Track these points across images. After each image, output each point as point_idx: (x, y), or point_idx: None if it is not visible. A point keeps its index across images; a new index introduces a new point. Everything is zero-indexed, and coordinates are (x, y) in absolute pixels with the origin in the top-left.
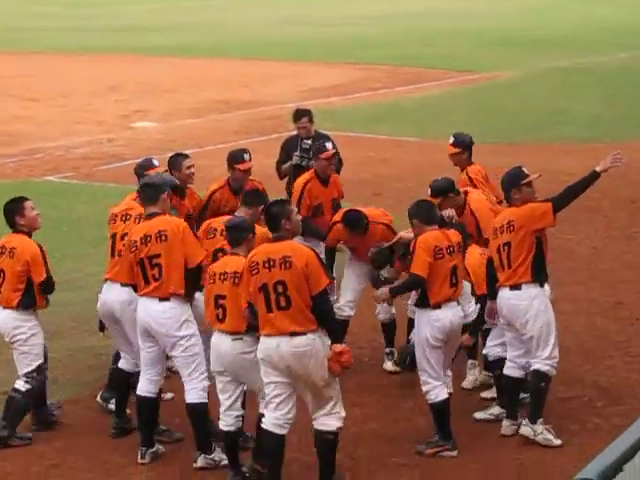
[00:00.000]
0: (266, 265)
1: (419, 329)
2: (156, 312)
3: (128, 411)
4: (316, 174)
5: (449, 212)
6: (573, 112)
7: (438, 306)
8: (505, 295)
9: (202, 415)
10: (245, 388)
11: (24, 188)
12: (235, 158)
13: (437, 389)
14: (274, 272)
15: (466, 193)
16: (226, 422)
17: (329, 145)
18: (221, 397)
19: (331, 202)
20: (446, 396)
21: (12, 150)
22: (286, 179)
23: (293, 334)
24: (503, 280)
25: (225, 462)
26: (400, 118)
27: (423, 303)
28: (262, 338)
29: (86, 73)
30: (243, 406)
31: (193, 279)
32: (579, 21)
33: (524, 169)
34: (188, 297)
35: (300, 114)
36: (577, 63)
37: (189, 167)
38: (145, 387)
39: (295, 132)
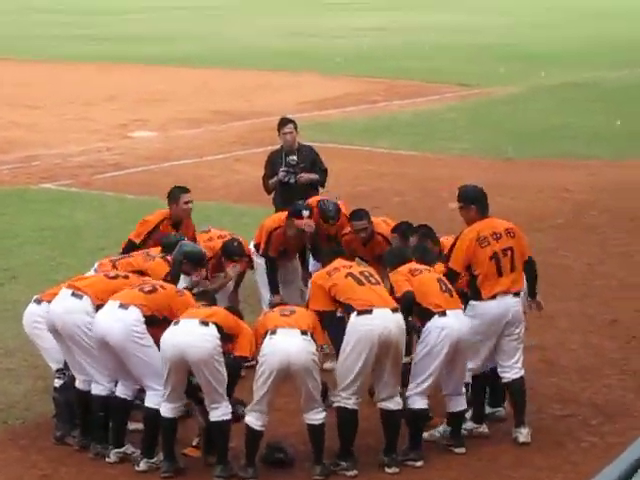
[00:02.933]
0: None
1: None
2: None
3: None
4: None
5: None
6: (573, 128)
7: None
8: (511, 302)
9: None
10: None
11: (22, 195)
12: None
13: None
14: None
15: None
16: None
17: (305, 212)
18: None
19: (298, 247)
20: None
21: (9, 157)
22: (273, 194)
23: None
24: (508, 286)
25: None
26: (398, 132)
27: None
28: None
29: (85, 82)
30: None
31: None
32: (578, 36)
33: None
34: None
35: (286, 121)
36: (577, 78)
37: (187, 202)
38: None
39: (278, 146)
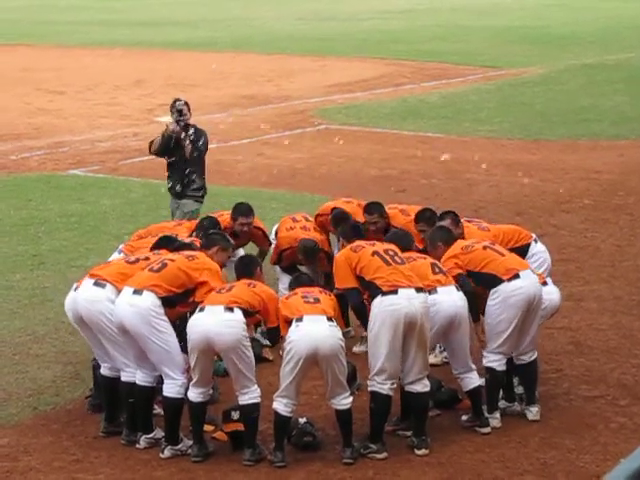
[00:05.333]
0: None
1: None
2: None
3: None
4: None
5: None
6: (599, 109)
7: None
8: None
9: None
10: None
11: (49, 181)
12: None
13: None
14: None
15: None
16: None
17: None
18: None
19: None
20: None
21: (38, 143)
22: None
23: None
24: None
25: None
26: (426, 114)
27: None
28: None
29: (113, 67)
30: None
31: None
32: (605, 17)
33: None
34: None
35: (172, 104)
36: (603, 60)
37: (242, 225)
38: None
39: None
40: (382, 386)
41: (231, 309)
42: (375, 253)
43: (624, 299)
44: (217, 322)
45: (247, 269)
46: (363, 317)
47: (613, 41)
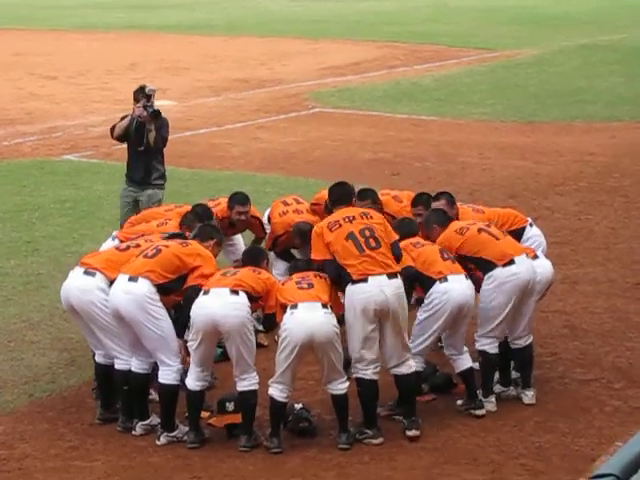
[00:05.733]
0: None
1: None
2: None
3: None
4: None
5: None
6: (594, 90)
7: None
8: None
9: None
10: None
11: (43, 167)
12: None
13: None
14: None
15: None
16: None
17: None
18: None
19: None
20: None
21: (31, 129)
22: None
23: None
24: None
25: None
26: (419, 97)
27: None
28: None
29: (105, 51)
30: None
31: None
32: None
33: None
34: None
35: (140, 90)
36: (598, 40)
37: (240, 213)
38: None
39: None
40: (365, 371)
41: (236, 292)
42: (350, 236)
43: (618, 282)
44: (223, 304)
45: (255, 260)
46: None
47: (606, 21)
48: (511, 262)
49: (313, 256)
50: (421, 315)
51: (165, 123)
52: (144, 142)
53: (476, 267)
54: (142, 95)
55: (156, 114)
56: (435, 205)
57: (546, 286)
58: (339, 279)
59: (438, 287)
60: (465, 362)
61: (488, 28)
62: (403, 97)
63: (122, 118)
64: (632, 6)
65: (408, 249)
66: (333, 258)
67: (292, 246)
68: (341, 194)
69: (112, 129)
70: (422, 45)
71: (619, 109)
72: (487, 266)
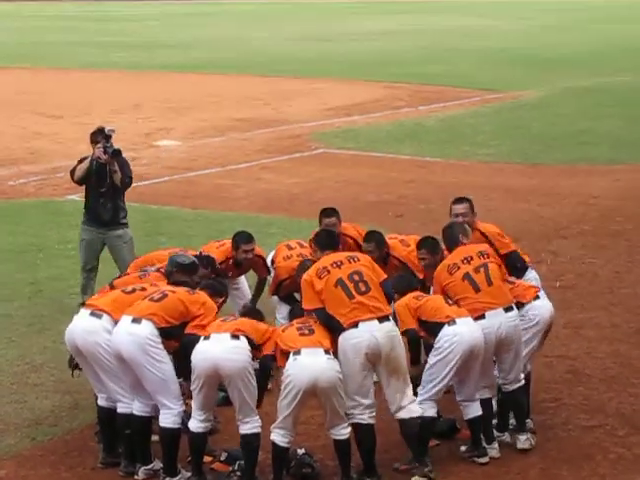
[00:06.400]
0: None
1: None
2: None
3: None
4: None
5: None
6: (596, 132)
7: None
8: (503, 317)
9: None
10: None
11: (47, 207)
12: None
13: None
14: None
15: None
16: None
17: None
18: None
19: None
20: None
21: (35, 168)
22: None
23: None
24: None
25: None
26: (423, 138)
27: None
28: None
29: (109, 90)
30: None
31: None
32: (601, 40)
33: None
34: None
35: (99, 131)
36: (599, 83)
37: (246, 252)
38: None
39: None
40: (362, 416)
41: (237, 337)
42: (338, 282)
43: (622, 327)
44: (224, 349)
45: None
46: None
47: (605, 63)
48: (482, 317)
49: (305, 305)
50: (431, 360)
51: (125, 162)
52: (106, 183)
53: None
54: (102, 136)
55: (116, 154)
56: (456, 209)
57: (544, 327)
58: (331, 327)
59: (447, 330)
60: (475, 410)
61: (491, 69)
62: (407, 138)
63: (80, 161)
64: (632, 49)
65: (412, 304)
66: (324, 306)
67: (296, 290)
68: (328, 240)
69: (72, 172)
70: (426, 86)
71: (622, 152)
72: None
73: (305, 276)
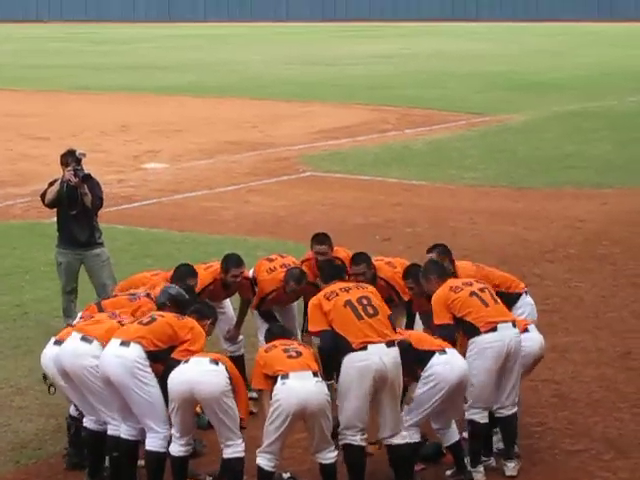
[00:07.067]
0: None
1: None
2: None
3: None
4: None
5: None
6: (584, 156)
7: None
8: (512, 331)
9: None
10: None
11: (34, 229)
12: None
13: None
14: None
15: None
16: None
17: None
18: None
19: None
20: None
21: (22, 190)
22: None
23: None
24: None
25: None
26: (410, 161)
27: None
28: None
29: (98, 113)
30: None
31: None
32: (589, 64)
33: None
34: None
35: (70, 154)
36: (587, 107)
37: (235, 276)
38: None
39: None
40: (354, 437)
41: (216, 362)
42: (347, 303)
43: (608, 351)
44: (201, 372)
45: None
46: (327, 364)
47: (594, 88)
48: (493, 329)
49: (310, 328)
50: (420, 388)
51: (96, 183)
52: (76, 206)
53: (460, 330)
54: (72, 159)
55: (87, 179)
56: (429, 256)
57: (532, 360)
58: (334, 350)
59: (439, 359)
60: (453, 436)
61: (478, 93)
62: (394, 161)
63: (50, 184)
64: (622, 72)
65: (400, 331)
66: (330, 328)
67: (281, 303)
68: (334, 271)
69: (42, 196)
70: (413, 109)
71: (609, 176)
72: (471, 331)
73: (313, 299)
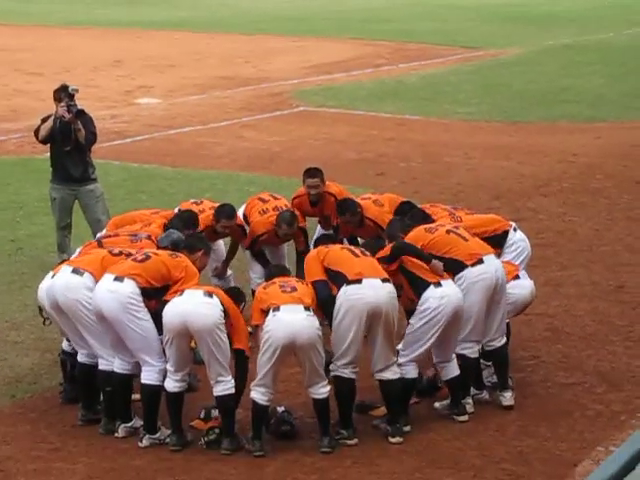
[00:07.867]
0: None
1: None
2: None
3: None
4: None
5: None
6: (578, 90)
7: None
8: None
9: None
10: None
11: (27, 165)
12: None
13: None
14: None
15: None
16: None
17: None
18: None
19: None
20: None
21: (15, 126)
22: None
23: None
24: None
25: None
26: (404, 96)
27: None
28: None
29: (91, 48)
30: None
31: None
32: None
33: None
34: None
35: (63, 89)
36: (582, 40)
37: (224, 227)
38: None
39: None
40: (344, 370)
41: (210, 295)
42: (345, 248)
43: (602, 284)
44: (195, 304)
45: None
46: (328, 312)
47: (591, 21)
48: (480, 262)
49: (308, 279)
50: (416, 322)
51: (89, 119)
52: (70, 142)
53: (445, 268)
54: (65, 95)
55: (80, 114)
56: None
57: (522, 307)
58: (330, 299)
59: (434, 292)
60: (453, 370)
61: (474, 26)
62: (388, 96)
63: (43, 120)
64: (617, 5)
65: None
66: (326, 279)
67: (272, 243)
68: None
69: (36, 132)
70: (408, 43)
71: (603, 109)
72: (456, 266)
73: (310, 252)
